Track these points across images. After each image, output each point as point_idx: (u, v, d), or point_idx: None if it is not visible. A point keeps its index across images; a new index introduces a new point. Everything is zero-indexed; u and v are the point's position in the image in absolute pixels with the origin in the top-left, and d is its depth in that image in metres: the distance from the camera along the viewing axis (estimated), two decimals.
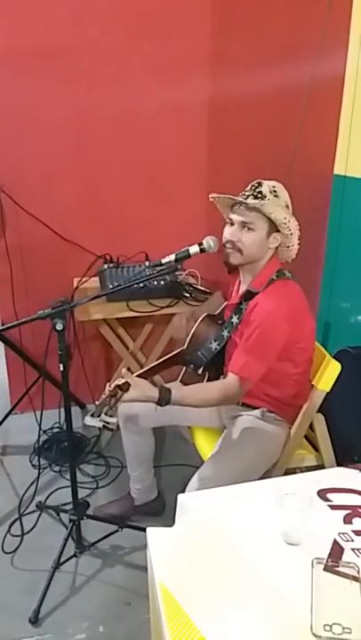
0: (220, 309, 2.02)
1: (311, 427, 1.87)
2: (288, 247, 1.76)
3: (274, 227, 1.69)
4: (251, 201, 1.67)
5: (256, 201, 1.66)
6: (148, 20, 2.42)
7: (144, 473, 2.12)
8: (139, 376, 1.69)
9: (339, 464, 1.86)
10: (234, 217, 1.71)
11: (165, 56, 2.48)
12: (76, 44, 2.39)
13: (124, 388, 1.58)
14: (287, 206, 1.72)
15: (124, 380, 1.59)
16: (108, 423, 1.53)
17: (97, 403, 1.54)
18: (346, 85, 2.54)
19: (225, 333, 1.85)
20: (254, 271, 1.76)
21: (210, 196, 1.75)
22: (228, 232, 1.73)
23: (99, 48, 2.41)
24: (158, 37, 2.45)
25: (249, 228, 1.69)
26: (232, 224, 1.72)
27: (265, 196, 1.67)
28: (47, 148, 2.50)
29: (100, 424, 1.53)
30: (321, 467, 1.90)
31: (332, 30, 2.46)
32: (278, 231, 1.70)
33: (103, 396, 1.56)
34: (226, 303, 1.96)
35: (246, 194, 1.71)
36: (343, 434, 1.95)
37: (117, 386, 1.57)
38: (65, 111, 2.46)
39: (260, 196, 1.68)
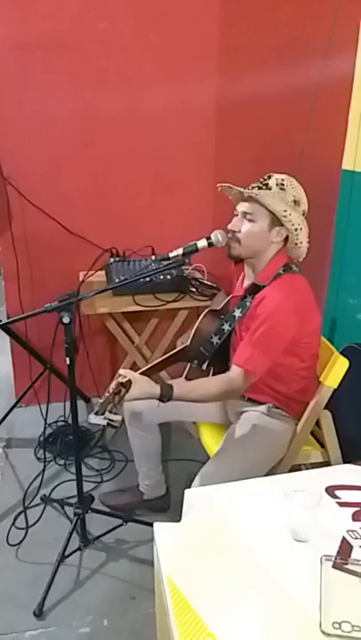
0: (222, 304, 2.00)
1: (317, 423, 1.86)
2: (296, 245, 1.73)
3: (277, 220, 1.66)
4: (247, 190, 1.65)
5: (253, 190, 1.65)
6: (156, 12, 2.40)
7: (152, 468, 2.12)
8: (142, 373, 1.67)
9: (345, 461, 1.86)
10: (238, 207, 1.71)
11: (173, 49, 2.46)
12: (83, 35, 2.37)
13: (128, 385, 1.55)
14: (295, 202, 1.68)
15: (127, 378, 1.56)
16: (112, 421, 1.51)
17: (100, 400, 1.52)
18: (356, 79, 2.51)
19: (226, 327, 1.83)
20: (259, 265, 1.74)
21: (217, 185, 1.75)
22: (231, 223, 1.73)
23: (106, 40, 2.40)
24: (166, 30, 2.43)
25: (249, 219, 1.68)
26: (237, 215, 1.72)
27: (270, 188, 1.66)
28: (54, 141, 2.49)
29: (105, 422, 1.50)
30: (327, 463, 1.89)
31: (341, 24, 2.44)
32: (283, 225, 1.68)
33: (107, 394, 1.53)
34: (230, 297, 1.94)
35: (253, 185, 1.70)
36: (349, 430, 1.94)
37: (121, 383, 1.54)
38: (71, 103, 2.45)
39: (265, 187, 1.66)
